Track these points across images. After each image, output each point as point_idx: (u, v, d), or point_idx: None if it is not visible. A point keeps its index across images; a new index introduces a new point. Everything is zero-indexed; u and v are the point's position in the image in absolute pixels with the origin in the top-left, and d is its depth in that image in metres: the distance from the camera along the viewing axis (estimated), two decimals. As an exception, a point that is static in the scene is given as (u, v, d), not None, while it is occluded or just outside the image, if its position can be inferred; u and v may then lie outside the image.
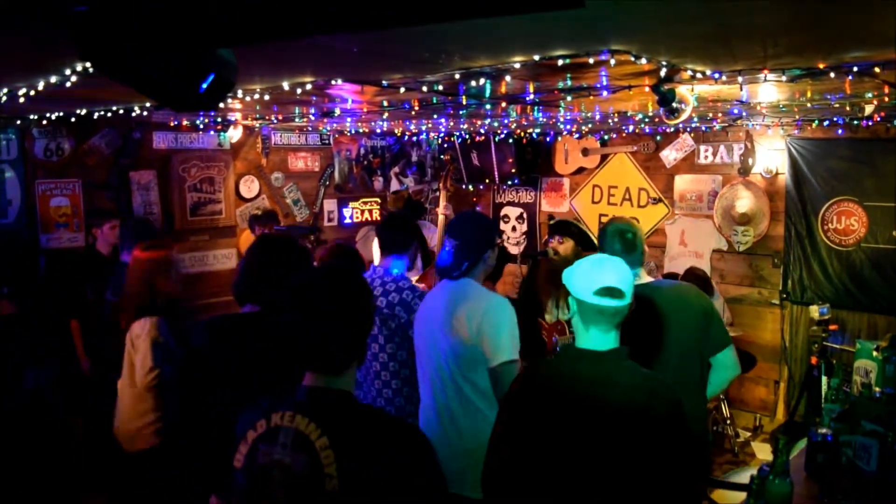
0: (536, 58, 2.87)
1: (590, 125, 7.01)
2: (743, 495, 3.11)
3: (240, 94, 4.01)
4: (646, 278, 3.65)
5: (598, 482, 2.43)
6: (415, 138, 8.99)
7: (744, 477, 3.57)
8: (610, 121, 6.22)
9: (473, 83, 3.50)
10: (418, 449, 1.99)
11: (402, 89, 3.79)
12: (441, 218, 6.24)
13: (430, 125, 7.18)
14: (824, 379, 5.12)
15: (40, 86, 3.48)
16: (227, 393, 2.77)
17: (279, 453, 1.97)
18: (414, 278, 6.29)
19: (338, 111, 5.29)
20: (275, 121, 6.54)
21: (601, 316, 2.52)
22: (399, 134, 8.63)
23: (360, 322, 2.05)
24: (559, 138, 8.49)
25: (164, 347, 4.07)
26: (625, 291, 2.51)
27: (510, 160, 8.49)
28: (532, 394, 2.57)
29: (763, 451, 6.44)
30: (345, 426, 1.95)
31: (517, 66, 3.01)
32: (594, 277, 2.53)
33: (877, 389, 3.53)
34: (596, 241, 4.47)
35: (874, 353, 3.86)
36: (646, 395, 2.42)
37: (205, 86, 1.70)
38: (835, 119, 5.99)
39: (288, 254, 3.05)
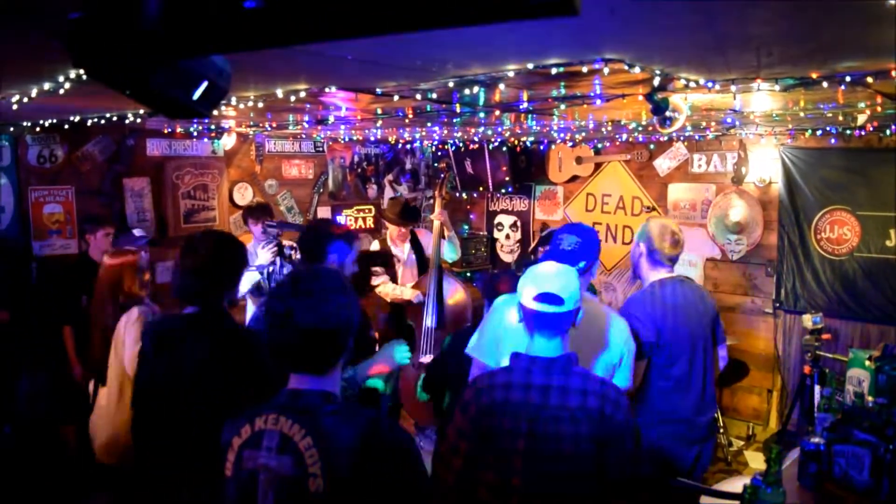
0: (530, 66, 2.87)
1: (583, 134, 7.02)
2: (736, 504, 3.11)
3: (234, 101, 4.00)
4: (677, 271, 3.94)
5: (555, 488, 2.45)
6: (409, 146, 9.00)
7: (736, 486, 3.57)
8: (603, 129, 6.24)
9: (467, 91, 3.50)
10: (402, 446, 1.99)
11: (396, 97, 3.79)
12: (436, 224, 6.22)
13: (423, 133, 7.19)
14: (817, 388, 5.12)
15: (33, 93, 3.47)
16: (207, 396, 2.77)
17: (264, 457, 1.96)
18: (409, 285, 6.32)
19: (332, 119, 5.30)
20: (269, 128, 6.54)
21: (541, 322, 2.55)
22: (393, 142, 8.64)
23: (345, 322, 2.03)
24: (553, 146, 8.51)
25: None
26: (564, 298, 2.53)
27: (504, 168, 8.50)
28: (486, 402, 2.58)
29: (756, 460, 6.44)
30: (328, 425, 1.94)
31: (511, 74, 3.02)
32: (535, 284, 2.56)
33: (869, 399, 3.53)
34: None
35: (867, 363, 3.85)
36: (599, 400, 2.46)
37: (198, 93, 1.69)
38: (828, 128, 6.02)
39: (236, 253, 3.07)
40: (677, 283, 3.83)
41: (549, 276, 2.58)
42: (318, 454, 1.89)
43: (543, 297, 2.52)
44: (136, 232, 5.75)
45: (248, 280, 5.81)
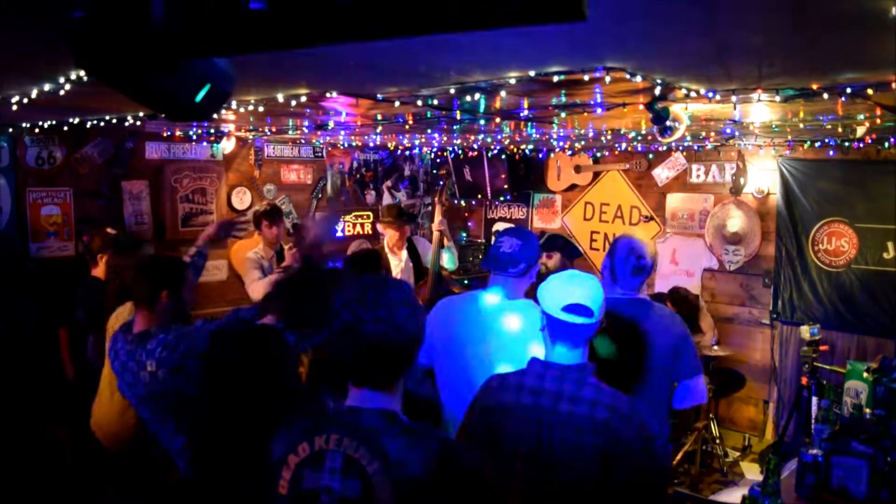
0: (532, 73, 2.87)
1: (583, 142, 7.03)
2: (733, 515, 3.10)
3: (234, 105, 4.00)
4: (642, 293, 3.73)
5: (560, 496, 2.44)
6: (407, 153, 9.00)
7: (732, 496, 3.56)
8: (603, 138, 6.24)
9: (468, 98, 3.50)
10: (472, 470, 1.94)
11: (397, 103, 3.79)
12: (436, 235, 6.19)
13: (423, 140, 7.19)
14: (814, 399, 5.12)
15: (33, 94, 3.46)
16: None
17: (327, 479, 1.89)
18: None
19: (331, 124, 5.29)
20: (268, 133, 6.53)
21: (568, 332, 2.53)
22: (392, 148, 8.64)
23: (413, 335, 1.96)
24: (552, 155, 8.51)
25: None
26: (593, 310, 2.52)
27: (503, 176, 8.50)
28: (493, 404, 2.58)
29: (751, 471, 6.43)
30: (396, 450, 1.86)
31: (512, 81, 3.01)
32: (563, 294, 2.54)
33: (867, 411, 3.54)
34: (581, 250, 4.48)
35: (865, 375, 3.86)
36: (608, 412, 2.44)
37: (201, 95, 1.69)
38: (826, 140, 6.03)
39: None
40: (626, 306, 3.62)
41: (576, 287, 2.55)
42: (387, 481, 1.83)
43: (573, 308, 2.50)
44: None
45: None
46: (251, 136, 7.23)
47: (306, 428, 1.97)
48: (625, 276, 3.63)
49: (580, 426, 2.43)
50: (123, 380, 3.36)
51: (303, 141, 7.82)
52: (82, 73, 2.85)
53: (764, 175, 7.04)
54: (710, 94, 3.28)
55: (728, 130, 5.36)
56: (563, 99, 3.66)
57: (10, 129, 5.83)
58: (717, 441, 6.54)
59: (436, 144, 8.05)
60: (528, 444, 2.47)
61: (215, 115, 4.00)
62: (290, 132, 6.22)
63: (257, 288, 5.83)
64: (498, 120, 4.65)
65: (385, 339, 1.89)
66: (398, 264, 6.53)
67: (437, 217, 6.21)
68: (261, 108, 4.03)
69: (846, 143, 6.06)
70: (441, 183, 6.77)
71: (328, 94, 3.59)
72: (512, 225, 9.17)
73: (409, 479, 1.84)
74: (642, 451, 2.46)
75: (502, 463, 2.51)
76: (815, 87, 3.12)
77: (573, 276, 2.63)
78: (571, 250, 5.62)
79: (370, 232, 8.71)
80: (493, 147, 8.02)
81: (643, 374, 3.54)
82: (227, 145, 7.21)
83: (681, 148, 7.40)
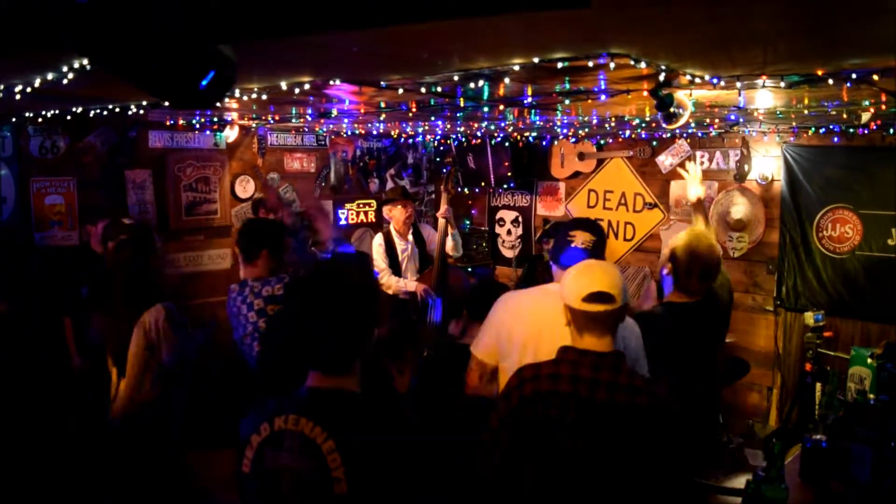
0: (536, 60, 2.86)
1: (586, 129, 7.01)
2: (737, 500, 3.11)
3: (237, 93, 4.00)
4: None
5: (597, 483, 2.44)
6: (411, 141, 8.99)
7: (736, 482, 3.57)
8: (606, 125, 6.23)
9: (472, 85, 3.49)
10: (429, 448, 1.97)
11: (401, 90, 3.78)
12: (441, 222, 6.18)
13: (426, 127, 7.18)
14: (818, 385, 5.13)
15: (36, 83, 3.46)
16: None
17: (286, 458, 1.94)
18: (413, 279, 6.32)
19: (335, 112, 5.28)
20: (271, 121, 6.53)
21: (593, 322, 2.52)
22: (395, 136, 8.63)
23: (361, 320, 2.01)
24: (555, 142, 8.49)
25: (183, 331, 4.09)
26: (615, 295, 2.50)
27: (506, 164, 8.49)
28: (530, 393, 2.57)
29: (755, 458, 6.43)
30: (351, 428, 1.91)
31: (516, 68, 3.01)
32: (582, 284, 2.53)
33: (871, 396, 3.54)
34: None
35: (869, 361, 3.86)
36: (648, 399, 2.44)
37: (205, 82, 1.69)
38: (831, 127, 6.00)
39: None
40: (687, 309, 3.67)
41: (595, 275, 2.54)
42: (340, 458, 1.87)
43: (594, 297, 2.49)
44: (126, 221, 5.76)
45: None
46: (254, 125, 7.23)
47: (268, 409, 2.03)
48: (688, 287, 3.65)
49: (621, 413, 2.42)
50: (240, 325, 3.90)
51: (306, 129, 7.81)
52: (85, 61, 2.85)
53: (768, 162, 7.01)
54: (715, 81, 3.27)
55: (732, 117, 5.34)
56: (567, 86, 3.65)
57: (14, 119, 5.83)
58: (721, 427, 6.55)
59: (439, 132, 8.04)
60: (568, 434, 2.46)
61: (219, 103, 4.00)
62: (294, 120, 6.22)
63: None
64: (501, 107, 4.64)
65: (329, 329, 1.95)
66: (405, 248, 6.53)
67: (443, 205, 6.20)
68: (264, 96, 4.02)
69: (851, 130, 6.04)
70: (447, 170, 6.75)
71: (331, 82, 3.59)
72: (516, 213, 9.16)
73: (366, 457, 1.88)
74: (679, 437, 2.47)
75: (542, 451, 2.50)
76: (819, 72, 3.11)
77: (590, 265, 2.62)
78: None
79: (373, 220, 8.71)
80: (496, 135, 8.00)
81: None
82: (231, 134, 7.22)
83: (685, 135, 7.38)
